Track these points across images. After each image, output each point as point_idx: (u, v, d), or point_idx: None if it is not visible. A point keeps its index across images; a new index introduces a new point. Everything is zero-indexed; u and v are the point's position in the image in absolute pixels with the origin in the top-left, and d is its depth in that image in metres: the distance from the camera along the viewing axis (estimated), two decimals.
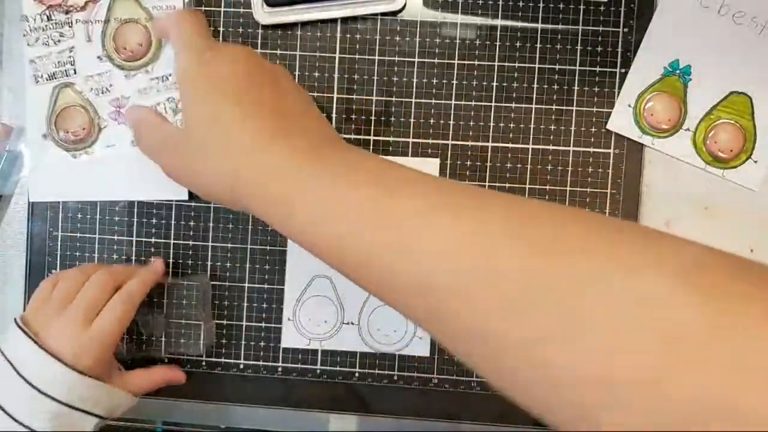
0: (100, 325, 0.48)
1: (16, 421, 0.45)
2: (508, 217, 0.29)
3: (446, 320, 0.29)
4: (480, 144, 0.56)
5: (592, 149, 0.56)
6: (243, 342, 0.57)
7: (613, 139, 0.55)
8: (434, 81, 0.56)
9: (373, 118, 0.56)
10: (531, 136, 0.55)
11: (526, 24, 0.55)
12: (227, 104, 0.38)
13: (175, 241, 0.57)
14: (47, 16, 0.55)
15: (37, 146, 0.56)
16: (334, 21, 0.56)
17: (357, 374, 0.57)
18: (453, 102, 0.56)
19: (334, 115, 0.56)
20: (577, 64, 0.55)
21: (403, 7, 0.55)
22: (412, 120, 0.56)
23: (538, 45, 0.55)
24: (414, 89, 0.56)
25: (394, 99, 0.56)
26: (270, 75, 0.41)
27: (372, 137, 0.56)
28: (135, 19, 0.55)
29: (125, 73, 0.55)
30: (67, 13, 0.55)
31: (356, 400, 0.57)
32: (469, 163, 0.56)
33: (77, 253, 0.57)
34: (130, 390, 0.51)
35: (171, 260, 0.57)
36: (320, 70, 0.56)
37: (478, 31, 0.55)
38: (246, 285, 0.57)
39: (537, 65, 0.55)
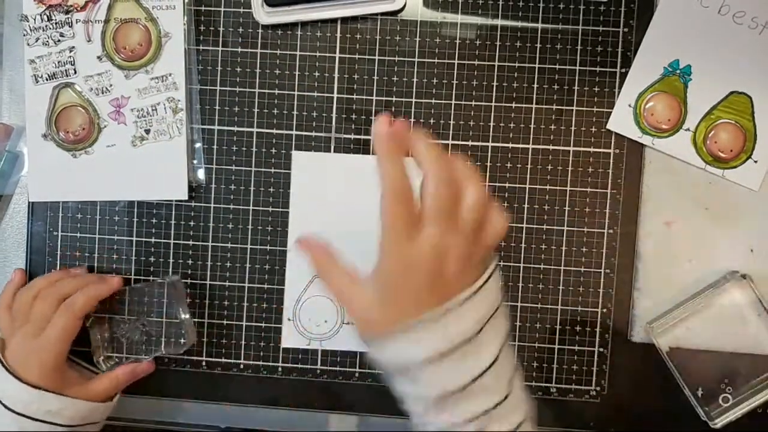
0: (44, 337, 0.50)
1: None
2: None
3: None
4: (480, 144, 0.56)
5: (592, 149, 0.55)
6: (243, 342, 0.57)
7: (613, 139, 0.55)
8: (434, 81, 0.56)
9: (373, 118, 0.56)
10: (531, 136, 0.55)
11: (526, 24, 0.55)
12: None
13: (175, 241, 0.57)
14: (47, 16, 0.55)
15: (37, 146, 0.56)
16: (334, 21, 0.56)
17: (357, 374, 0.57)
18: (453, 102, 0.56)
19: (334, 115, 0.56)
20: (577, 64, 0.55)
21: (403, 7, 0.55)
22: (412, 120, 0.56)
23: (538, 45, 0.55)
24: (414, 89, 0.56)
25: (394, 99, 0.56)
26: None
27: (372, 137, 0.56)
28: (135, 19, 0.55)
29: (125, 73, 0.55)
30: (67, 13, 0.55)
31: (356, 400, 0.57)
32: (469, 163, 0.56)
33: (77, 253, 0.57)
34: (94, 397, 0.52)
35: (171, 260, 0.57)
36: (320, 70, 0.56)
37: (478, 31, 0.55)
38: (246, 285, 0.57)
39: (537, 65, 0.55)
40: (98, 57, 0.55)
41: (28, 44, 0.55)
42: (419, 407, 0.38)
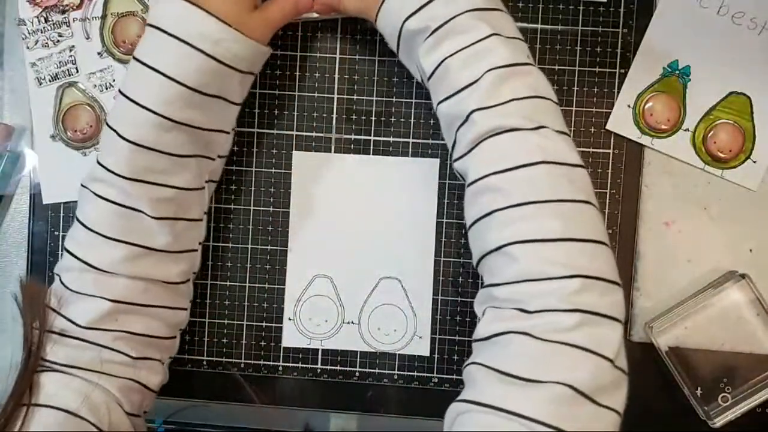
0: None
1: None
2: None
3: None
4: None
5: (591, 149, 0.56)
6: (243, 342, 0.57)
7: (612, 139, 0.56)
8: None
9: (373, 118, 0.56)
10: None
11: (525, 24, 0.55)
12: None
13: None
14: (44, 18, 0.55)
15: (46, 148, 0.56)
16: (334, 21, 0.56)
17: (357, 374, 0.57)
18: None
19: (334, 115, 0.56)
20: (577, 64, 0.55)
21: None
22: (412, 120, 0.56)
23: (538, 45, 0.55)
24: (414, 89, 0.56)
25: (394, 99, 0.56)
26: None
27: (372, 137, 0.56)
28: (132, 12, 0.55)
29: (127, 66, 0.55)
30: (63, 12, 0.55)
31: (356, 400, 0.57)
32: None
33: None
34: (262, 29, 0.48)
35: None
36: (320, 71, 0.56)
37: None
38: (246, 285, 0.57)
39: (537, 65, 0.55)
40: (99, 53, 0.55)
41: (28, 47, 0.55)
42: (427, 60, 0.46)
